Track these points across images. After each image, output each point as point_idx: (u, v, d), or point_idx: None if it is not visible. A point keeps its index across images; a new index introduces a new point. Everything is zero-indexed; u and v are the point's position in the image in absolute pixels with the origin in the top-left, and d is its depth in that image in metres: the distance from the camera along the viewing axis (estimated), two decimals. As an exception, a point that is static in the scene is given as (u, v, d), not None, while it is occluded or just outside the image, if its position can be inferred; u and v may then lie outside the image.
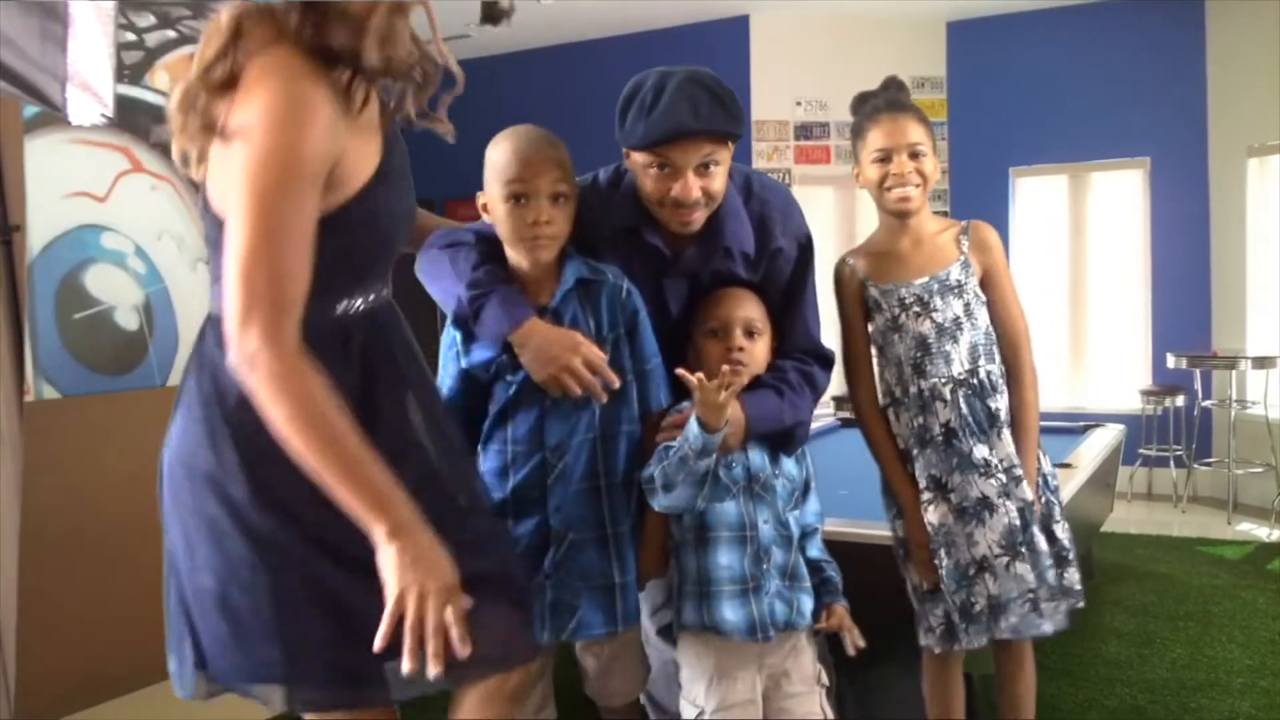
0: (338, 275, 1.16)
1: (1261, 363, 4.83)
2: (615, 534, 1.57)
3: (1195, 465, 5.21)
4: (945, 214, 5.77)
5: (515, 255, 1.57)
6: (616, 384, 1.54)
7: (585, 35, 6.03)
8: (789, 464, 1.68)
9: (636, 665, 1.71)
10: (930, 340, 1.79)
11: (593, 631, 1.57)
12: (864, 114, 1.84)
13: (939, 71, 5.78)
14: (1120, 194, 5.59)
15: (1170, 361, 5.10)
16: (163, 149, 3.11)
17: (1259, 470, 4.94)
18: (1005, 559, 1.74)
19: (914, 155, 1.77)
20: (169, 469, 1.23)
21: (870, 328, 1.88)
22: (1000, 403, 1.81)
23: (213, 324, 1.22)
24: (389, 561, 1.06)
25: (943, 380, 1.78)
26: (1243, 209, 5.15)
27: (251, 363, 1.04)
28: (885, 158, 1.78)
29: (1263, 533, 4.60)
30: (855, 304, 1.86)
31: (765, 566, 1.58)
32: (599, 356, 1.53)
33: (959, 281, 1.81)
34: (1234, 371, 4.90)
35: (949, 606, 1.78)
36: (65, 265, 2.85)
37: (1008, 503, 1.75)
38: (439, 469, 1.24)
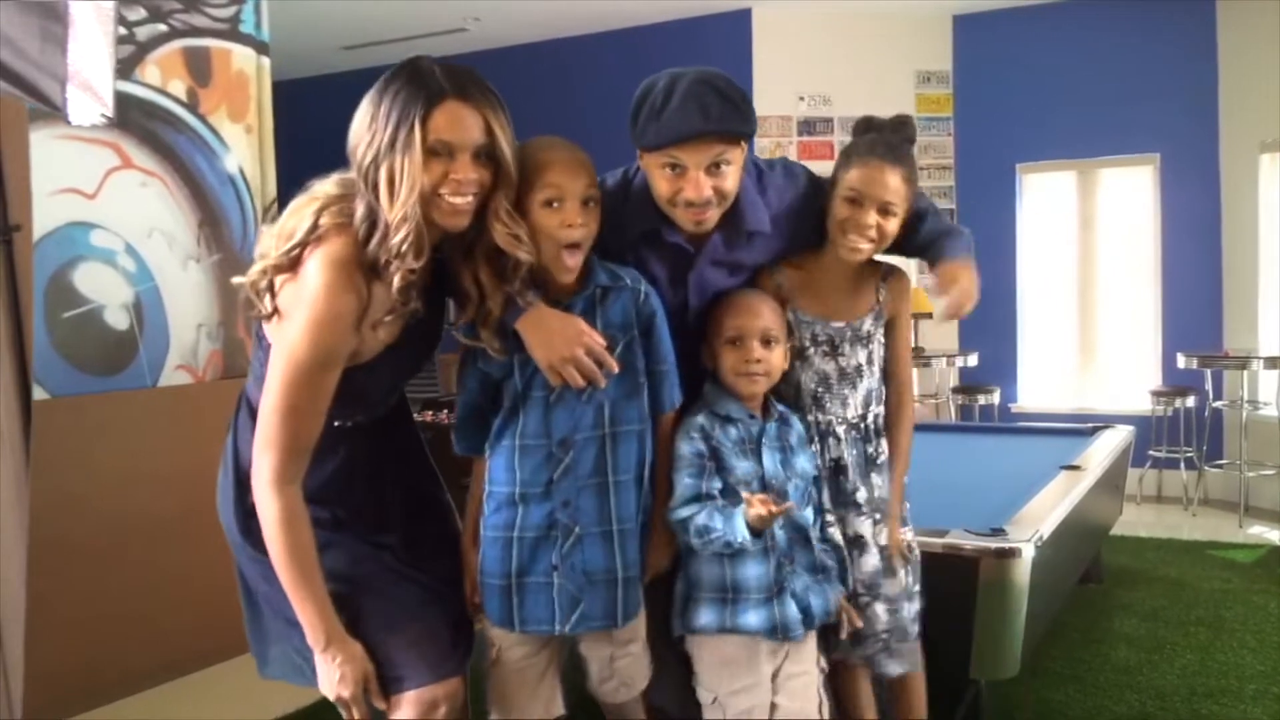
0: (335, 405, 1.51)
1: (1274, 363, 4.78)
2: (620, 530, 1.61)
3: (1206, 467, 5.16)
4: (952, 211, 5.74)
5: (546, 259, 1.58)
6: (616, 370, 1.59)
7: (586, 29, 6.02)
8: (802, 460, 1.72)
9: (641, 661, 1.73)
10: (832, 380, 1.81)
11: (592, 624, 1.61)
12: (859, 147, 1.78)
13: (945, 66, 5.75)
14: (1130, 191, 5.55)
15: (1181, 361, 5.05)
16: (152, 144, 3.08)
17: (1271, 472, 4.89)
18: (866, 599, 1.79)
19: (884, 211, 1.73)
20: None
21: None
22: (880, 448, 1.85)
23: (246, 401, 1.61)
24: (320, 668, 1.51)
25: (838, 420, 1.82)
26: (1255, 206, 5.10)
27: (259, 487, 1.46)
28: (855, 200, 1.73)
29: (1275, 535, 4.56)
30: None
31: (789, 569, 1.66)
32: (601, 344, 1.57)
33: (869, 332, 1.84)
34: (1246, 371, 4.86)
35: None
36: (54, 263, 2.82)
37: (875, 546, 1.81)
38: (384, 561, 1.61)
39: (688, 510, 1.61)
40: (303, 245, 1.43)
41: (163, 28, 3.11)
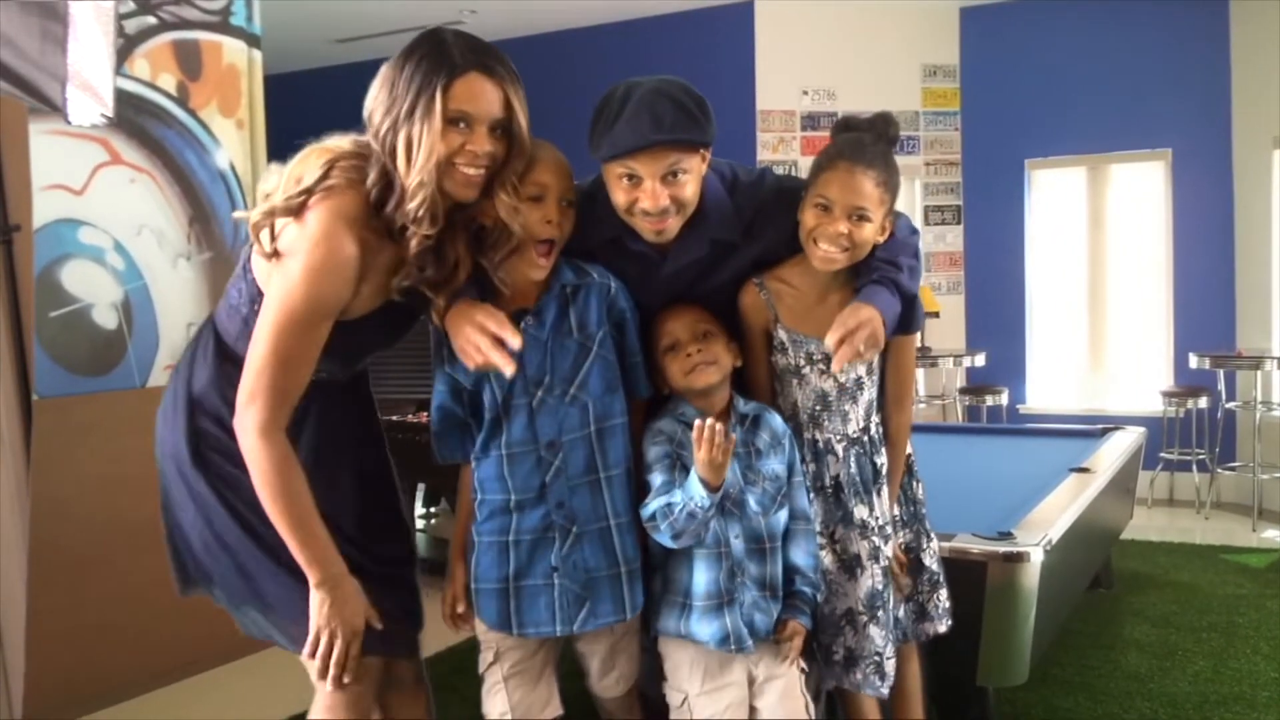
0: None
1: (1287, 362, 4.74)
2: (618, 524, 1.63)
3: (1219, 469, 5.12)
4: (959, 208, 5.67)
5: (521, 257, 1.59)
6: (516, 344, 1.51)
7: (585, 22, 6.01)
8: (773, 463, 1.69)
9: (635, 652, 1.77)
10: (831, 398, 1.77)
11: (603, 620, 1.64)
12: (832, 150, 1.71)
13: (952, 59, 5.71)
14: (1141, 187, 5.50)
15: (1193, 361, 5.01)
16: (141, 139, 3.03)
17: (1284, 474, 4.85)
18: (864, 618, 1.77)
19: (855, 218, 1.65)
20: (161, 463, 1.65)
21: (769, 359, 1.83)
22: (884, 458, 1.82)
23: (213, 329, 1.61)
24: (315, 605, 1.49)
25: (837, 437, 1.78)
26: (1268, 202, 5.07)
27: (246, 436, 1.45)
28: (825, 207, 1.65)
29: (1289, 538, 4.51)
30: (761, 335, 1.79)
31: (740, 580, 1.65)
32: (493, 323, 1.51)
33: None
34: (1259, 372, 4.82)
35: (814, 648, 1.81)
36: (41, 261, 2.79)
37: (875, 566, 1.77)
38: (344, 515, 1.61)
39: (657, 502, 1.60)
40: (309, 193, 1.43)
41: (152, 20, 3.07)
